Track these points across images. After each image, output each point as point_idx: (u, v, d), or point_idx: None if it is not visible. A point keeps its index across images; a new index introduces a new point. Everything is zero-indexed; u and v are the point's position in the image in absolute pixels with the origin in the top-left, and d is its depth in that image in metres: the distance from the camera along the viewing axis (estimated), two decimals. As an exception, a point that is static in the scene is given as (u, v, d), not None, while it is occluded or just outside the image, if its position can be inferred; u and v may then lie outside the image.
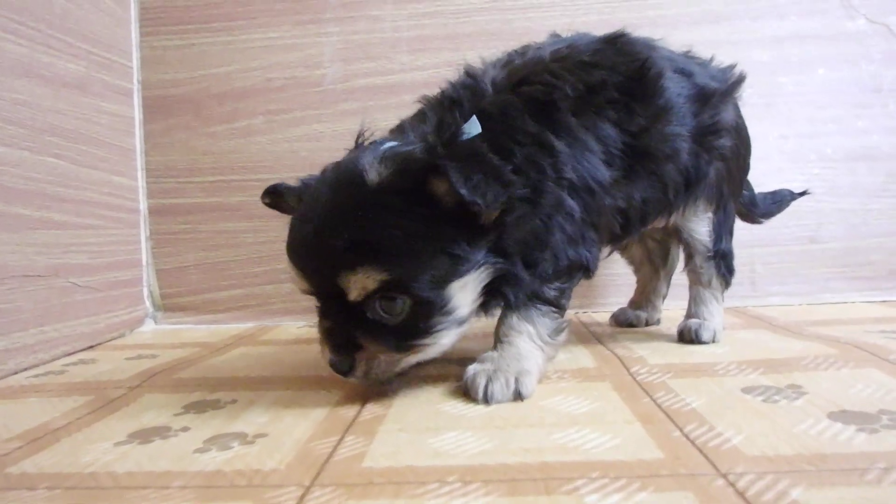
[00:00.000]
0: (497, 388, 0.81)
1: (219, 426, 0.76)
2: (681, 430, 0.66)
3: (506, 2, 1.60)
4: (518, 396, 0.81)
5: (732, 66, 1.14)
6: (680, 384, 0.85)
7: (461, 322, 0.84)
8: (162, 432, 0.75)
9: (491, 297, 0.86)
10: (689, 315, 1.17)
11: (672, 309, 1.35)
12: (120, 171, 1.55)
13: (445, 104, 0.93)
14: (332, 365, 0.82)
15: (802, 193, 1.37)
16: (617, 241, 1.09)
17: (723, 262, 1.16)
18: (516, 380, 0.82)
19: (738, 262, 1.18)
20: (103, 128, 1.48)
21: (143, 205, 1.62)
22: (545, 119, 0.90)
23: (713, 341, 1.11)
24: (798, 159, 1.56)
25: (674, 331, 1.17)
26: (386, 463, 0.62)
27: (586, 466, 0.58)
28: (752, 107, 1.35)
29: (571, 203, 0.89)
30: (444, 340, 0.83)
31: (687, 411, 0.73)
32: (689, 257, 1.18)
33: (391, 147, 0.83)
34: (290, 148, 1.61)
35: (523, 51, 1.04)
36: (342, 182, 0.82)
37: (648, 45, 1.04)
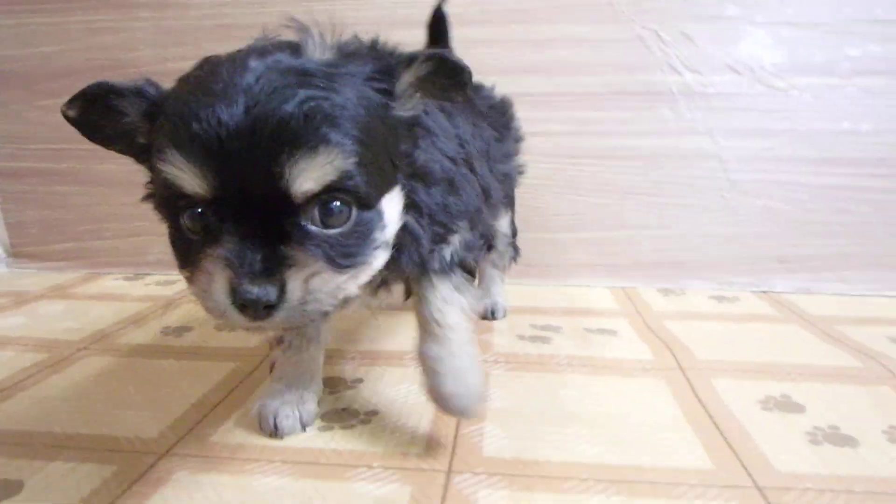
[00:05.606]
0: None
1: None
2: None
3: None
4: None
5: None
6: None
7: (389, 244, 0.69)
8: None
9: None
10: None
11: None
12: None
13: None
14: (250, 301, 0.57)
15: None
16: None
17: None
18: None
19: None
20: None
21: (-8, 167, 1.90)
22: None
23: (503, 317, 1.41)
24: (555, 154, 1.68)
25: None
26: None
27: None
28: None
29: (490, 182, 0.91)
30: (376, 263, 0.68)
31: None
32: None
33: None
34: (112, 123, 1.82)
35: None
36: (270, 53, 0.63)
37: None
